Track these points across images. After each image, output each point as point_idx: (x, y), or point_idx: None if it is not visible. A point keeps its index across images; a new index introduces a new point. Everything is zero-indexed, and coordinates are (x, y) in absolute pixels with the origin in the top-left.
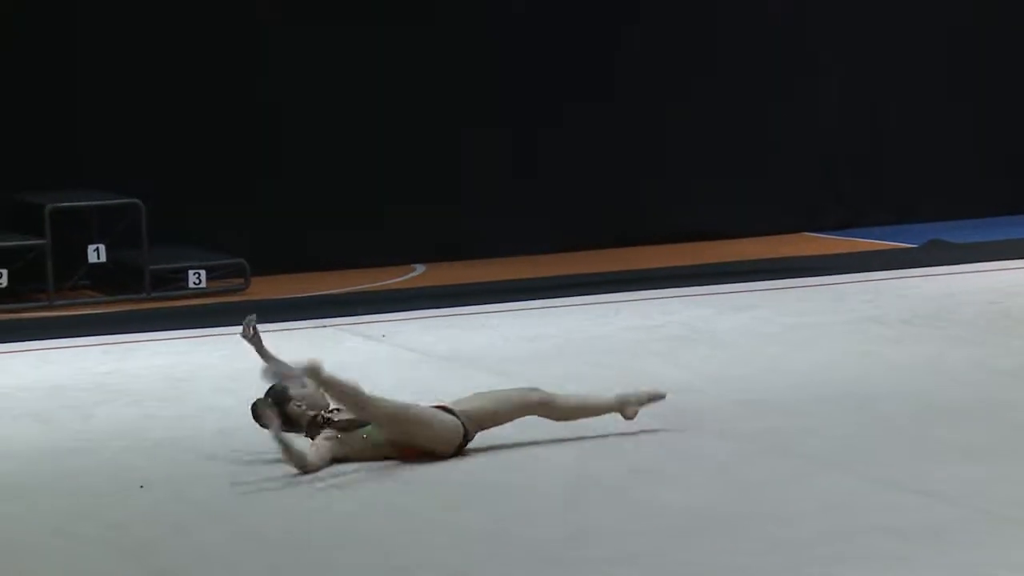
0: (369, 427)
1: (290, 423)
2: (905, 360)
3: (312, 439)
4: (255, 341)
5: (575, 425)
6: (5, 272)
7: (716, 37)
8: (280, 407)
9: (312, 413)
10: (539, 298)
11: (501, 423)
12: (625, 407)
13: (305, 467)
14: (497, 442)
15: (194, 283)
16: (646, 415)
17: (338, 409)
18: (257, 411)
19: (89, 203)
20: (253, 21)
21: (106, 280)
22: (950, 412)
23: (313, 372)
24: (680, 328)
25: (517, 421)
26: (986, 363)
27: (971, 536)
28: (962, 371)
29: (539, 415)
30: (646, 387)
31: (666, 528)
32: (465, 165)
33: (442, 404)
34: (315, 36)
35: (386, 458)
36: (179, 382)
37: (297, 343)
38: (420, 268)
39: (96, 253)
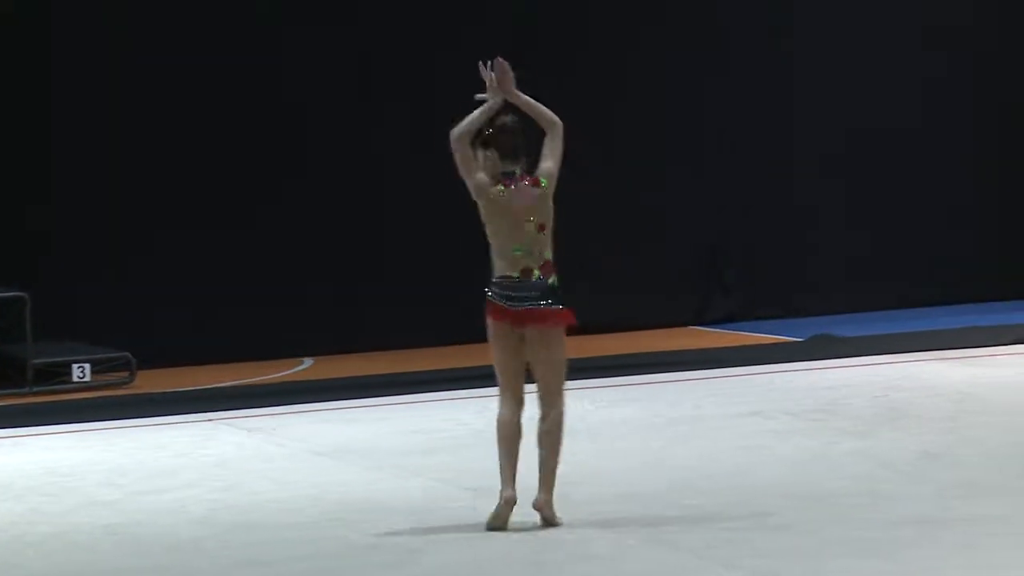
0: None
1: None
2: (790, 453)
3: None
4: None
5: (456, 518)
6: None
7: (615, 129)
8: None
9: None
10: (422, 391)
11: None
12: None
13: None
14: None
15: (78, 377)
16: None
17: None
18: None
19: None
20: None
21: None
22: (835, 505)
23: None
24: None
25: None
26: (871, 455)
27: None
28: (847, 464)
29: None
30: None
31: None
32: (350, 257)
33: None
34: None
35: None
36: (63, 477)
37: (182, 436)
38: (308, 361)
39: None
